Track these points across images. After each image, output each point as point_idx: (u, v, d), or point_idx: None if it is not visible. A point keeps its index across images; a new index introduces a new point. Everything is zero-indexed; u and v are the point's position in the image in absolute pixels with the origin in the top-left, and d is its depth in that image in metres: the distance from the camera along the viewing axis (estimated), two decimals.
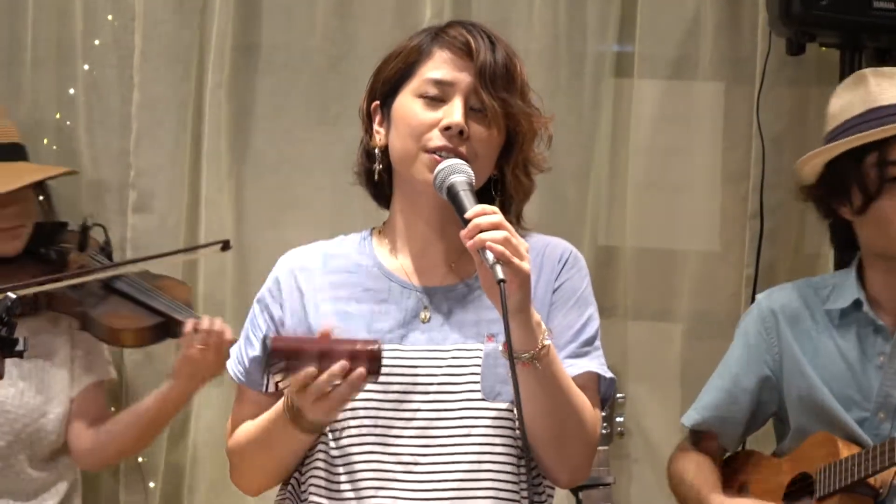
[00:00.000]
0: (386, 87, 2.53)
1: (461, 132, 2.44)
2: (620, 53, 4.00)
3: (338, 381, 2.30)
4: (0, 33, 4.03)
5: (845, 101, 3.16)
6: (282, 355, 2.31)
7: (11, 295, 2.64)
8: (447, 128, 2.44)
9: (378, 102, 2.55)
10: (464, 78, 2.47)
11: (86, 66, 4.00)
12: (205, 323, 3.44)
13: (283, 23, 4.01)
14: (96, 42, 3.99)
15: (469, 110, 2.47)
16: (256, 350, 2.52)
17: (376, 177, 2.54)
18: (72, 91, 4.01)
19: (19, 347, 2.65)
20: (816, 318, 3.18)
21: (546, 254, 2.56)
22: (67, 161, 3.90)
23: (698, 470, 3.26)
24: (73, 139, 3.99)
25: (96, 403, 3.63)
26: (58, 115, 3.99)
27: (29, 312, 3.55)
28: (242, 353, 2.56)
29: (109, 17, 4.00)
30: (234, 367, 2.58)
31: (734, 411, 3.26)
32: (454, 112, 2.45)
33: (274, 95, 4.01)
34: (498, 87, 2.47)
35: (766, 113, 3.92)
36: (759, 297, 3.30)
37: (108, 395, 3.73)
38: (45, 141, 3.97)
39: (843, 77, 3.77)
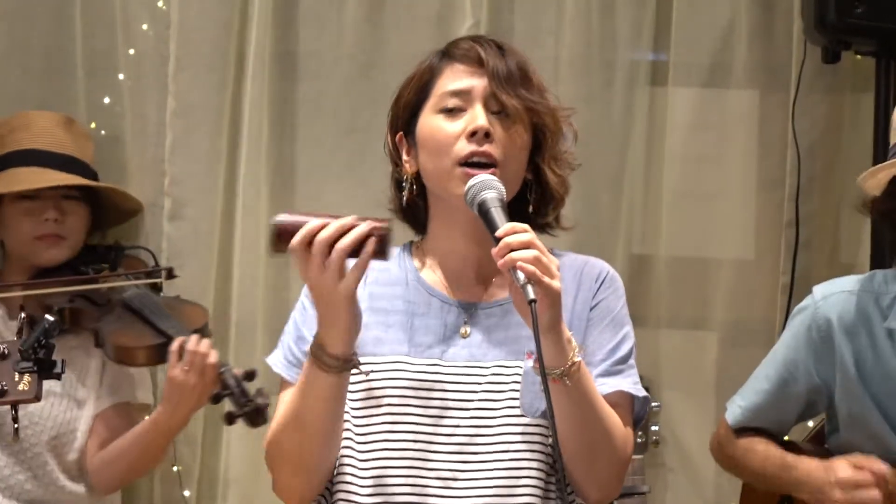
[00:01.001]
0: (406, 115, 2.55)
1: (487, 134, 2.45)
2: (655, 61, 3.99)
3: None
4: (46, 42, 4.05)
5: None
6: (289, 231, 2.30)
7: (49, 317, 2.66)
8: (473, 133, 2.46)
9: (402, 133, 2.56)
10: (479, 84, 2.49)
11: (121, 76, 4.01)
12: (190, 344, 3.38)
13: (316, 30, 4.02)
14: (131, 52, 4.00)
15: (491, 114, 2.48)
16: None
17: (404, 203, 2.56)
18: (107, 100, 4.02)
19: (57, 370, 2.67)
20: (875, 333, 3.01)
21: (584, 272, 2.57)
22: (104, 170, 3.91)
23: (769, 441, 3.16)
24: (110, 149, 4.00)
25: (114, 424, 3.60)
26: (93, 125, 4.01)
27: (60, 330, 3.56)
28: (294, 352, 2.54)
29: (144, 27, 4.01)
30: (286, 369, 2.55)
31: (781, 414, 3.16)
32: (477, 117, 2.47)
33: (307, 103, 4.02)
34: (514, 85, 2.49)
35: (802, 121, 3.91)
36: (815, 293, 3.09)
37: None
38: None
39: (878, 85, 3.76)
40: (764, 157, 3.99)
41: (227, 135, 3.99)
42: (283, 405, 2.51)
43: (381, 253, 2.32)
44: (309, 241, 2.30)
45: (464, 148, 2.46)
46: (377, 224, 2.32)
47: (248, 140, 3.97)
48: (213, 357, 3.37)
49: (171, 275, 3.61)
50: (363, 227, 2.30)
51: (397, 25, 4.00)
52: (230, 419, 3.24)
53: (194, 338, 3.40)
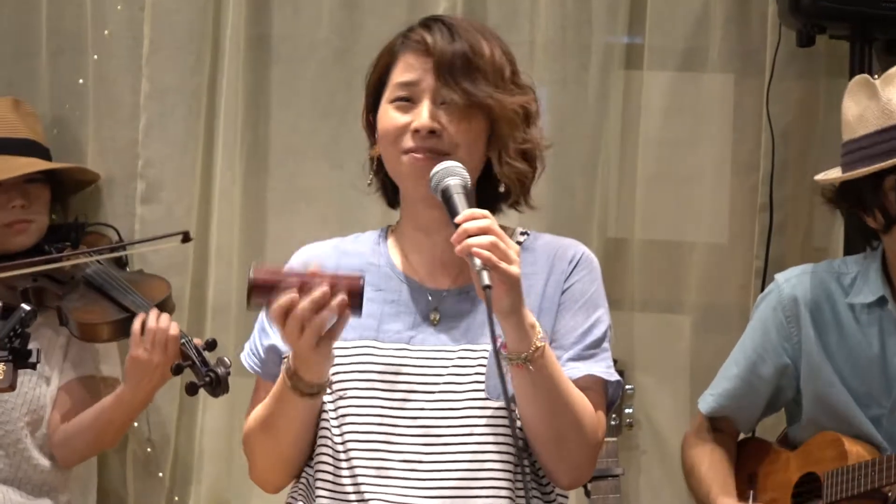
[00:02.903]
0: (371, 99, 2.58)
1: (432, 131, 2.46)
2: (630, 45, 3.99)
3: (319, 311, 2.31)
4: (13, 24, 4.04)
5: (860, 110, 3.04)
6: (263, 289, 2.31)
7: (26, 307, 2.65)
8: (416, 130, 2.47)
9: (371, 113, 2.58)
10: (426, 76, 2.50)
11: (95, 57, 4.00)
12: (150, 321, 3.39)
13: (291, 14, 4.01)
14: (105, 32, 3.99)
15: (440, 105, 2.48)
16: (272, 339, 2.54)
17: (373, 185, 2.60)
18: (81, 81, 4.01)
19: (32, 359, 2.67)
20: (838, 309, 3.11)
21: (558, 255, 2.58)
22: (76, 152, 3.90)
23: (711, 464, 3.23)
24: (82, 130, 4.00)
25: (78, 397, 3.62)
26: (67, 106, 4.00)
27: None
28: (257, 344, 2.59)
29: (119, 8, 4.00)
30: (248, 358, 2.60)
31: (751, 399, 3.22)
32: (421, 114, 2.48)
33: (282, 87, 4.01)
34: (457, 77, 2.48)
35: (776, 105, 3.91)
36: (778, 278, 3.21)
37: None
38: (56, 132, 3.98)
39: (852, 69, 3.76)
40: (738, 142, 3.99)
41: (203, 118, 3.99)
42: (258, 400, 2.55)
43: (355, 310, 2.33)
44: (286, 312, 2.31)
45: (408, 141, 2.48)
46: (352, 285, 2.32)
47: (224, 123, 3.96)
48: (174, 330, 3.37)
49: (187, 238, 3.54)
50: (337, 301, 2.31)
51: (373, 10, 4.00)
52: (192, 389, 3.25)
53: (153, 314, 3.40)
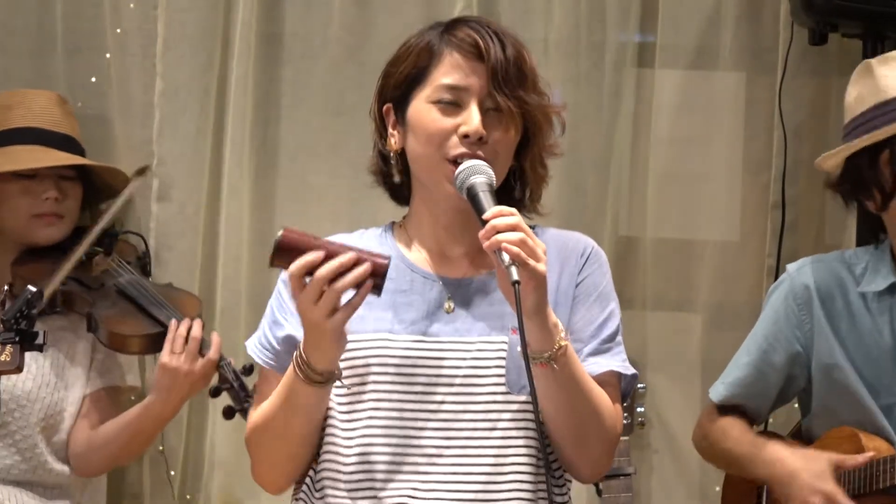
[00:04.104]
0: (397, 91, 2.53)
1: (480, 138, 2.45)
2: (642, 43, 4.00)
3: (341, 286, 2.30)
4: (30, 21, 4.04)
5: (857, 93, 3.12)
6: (289, 249, 2.30)
7: (32, 288, 2.65)
8: (466, 135, 2.45)
9: (390, 105, 2.55)
10: (477, 81, 2.48)
11: (107, 55, 4.01)
12: (183, 329, 3.39)
13: (303, 12, 4.01)
14: (118, 31, 4.00)
15: (485, 111, 2.47)
16: (286, 330, 2.52)
17: (396, 179, 2.56)
18: (93, 79, 4.02)
19: (39, 341, 2.66)
20: (849, 298, 3.12)
21: (569, 248, 2.58)
22: (90, 150, 3.90)
23: (745, 427, 3.22)
24: (96, 128, 4.00)
25: (102, 408, 3.60)
26: (80, 104, 4.00)
27: (51, 311, 3.56)
28: (268, 336, 2.56)
29: (131, 6, 4.00)
30: (258, 352, 2.57)
31: (763, 387, 3.22)
32: (472, 119, 2.46)
33: (294, 85, 4.01)
34: (512, 86, 2.47)
35: (788, 103, 3.92)
36: (789, 268, 3.22)
37: (129, 403, 3.66)
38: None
39: None
40: (750, 140, 4.00)
41: (212, 116, 3.99)
42: (263, 398, 2.53)
43: (375, 289, 2.33)
44: (306, 272, 2.30)
45: (455, 146, 2.46)
46: (377, 261, 2.33)
47: (234, 121, 3.96)
48: (215, 346, 3.37)
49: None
50: (362, 269, 2.31)
51: (385, 7, 4.00)
52: (229, 413, 3.25)
53: (185, 323, 3.40)
